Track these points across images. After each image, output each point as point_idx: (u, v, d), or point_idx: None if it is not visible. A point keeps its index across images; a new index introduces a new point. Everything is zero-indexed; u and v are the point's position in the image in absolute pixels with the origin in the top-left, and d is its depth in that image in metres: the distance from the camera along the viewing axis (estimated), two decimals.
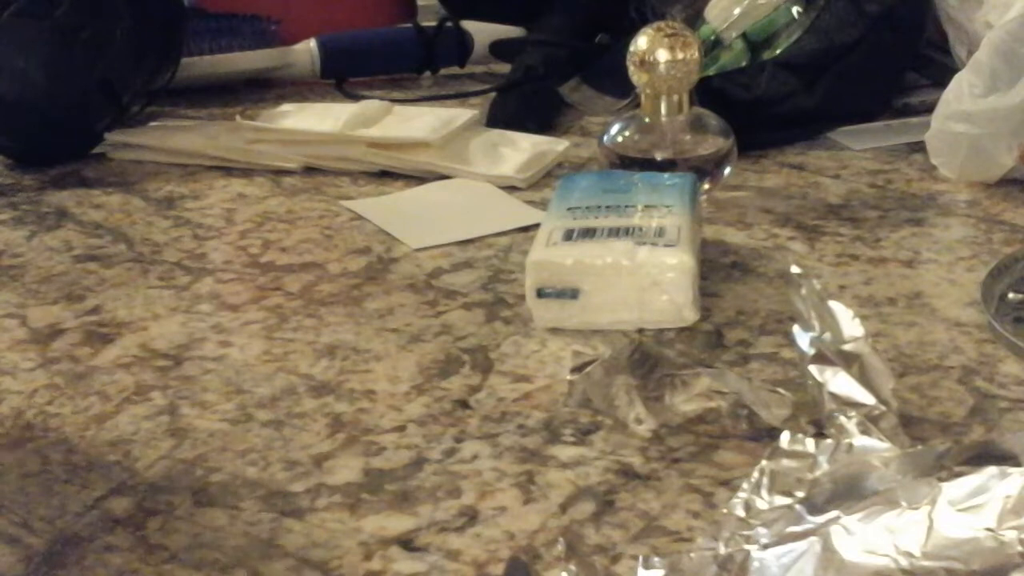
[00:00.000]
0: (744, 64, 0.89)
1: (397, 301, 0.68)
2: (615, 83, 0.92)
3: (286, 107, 0.97)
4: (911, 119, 0.91)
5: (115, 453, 0.54)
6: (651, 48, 0.75)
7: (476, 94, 1.03)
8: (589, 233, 0.63)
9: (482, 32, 1.11)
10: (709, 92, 0.81)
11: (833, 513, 0.42)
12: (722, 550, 0.42)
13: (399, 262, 0.73)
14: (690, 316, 0.62)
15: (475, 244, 0.74)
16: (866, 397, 0.49)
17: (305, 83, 1.10)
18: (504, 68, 1.07)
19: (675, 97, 0.76)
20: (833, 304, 0.51)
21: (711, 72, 0.87)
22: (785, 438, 0.46)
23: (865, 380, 0.50)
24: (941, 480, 0.42)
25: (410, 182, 0.86)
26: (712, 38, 0.90)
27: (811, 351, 0.51)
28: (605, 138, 0.78)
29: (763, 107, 0.86)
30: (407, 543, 0.47)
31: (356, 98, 1.00)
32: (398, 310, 0.66)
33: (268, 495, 0.51)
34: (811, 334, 0.51)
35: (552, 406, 0.56)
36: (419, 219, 0.79)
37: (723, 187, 0.78)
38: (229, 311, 0.68)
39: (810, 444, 0.46)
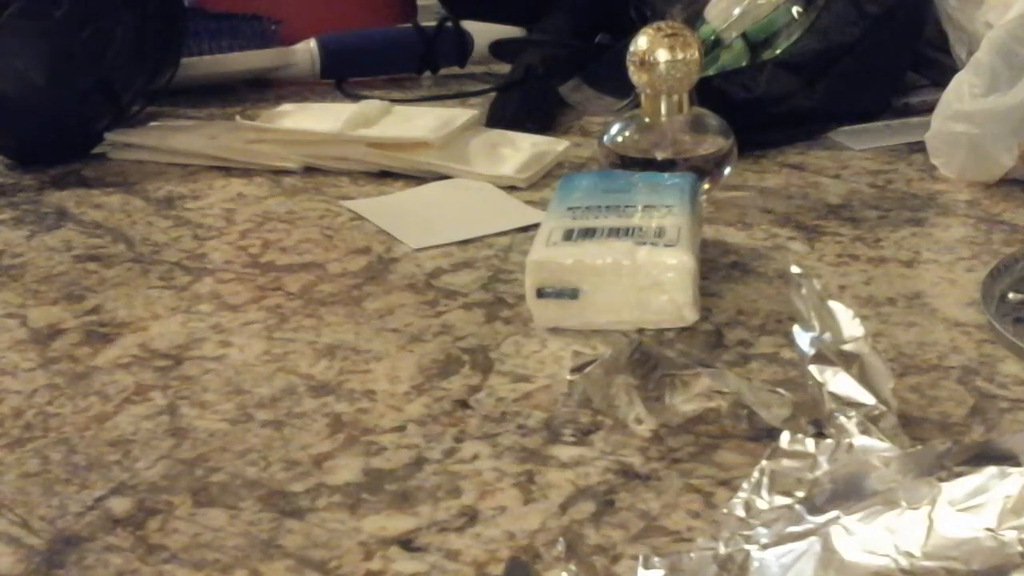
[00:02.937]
0: (744, 64, 0.89)
1: (397, 301, 0.68)
2: (615, 83, 0.92)
3: (286, 107, 0.97)
4: (911, 119, 0.91)
5: (115, 453, 0.54)
6: (651, 48, 0.75)
7: (476, 94, 1.03)
8: (589, 233, 0.63)
9: (482, 32, 1.11)
10: (709, 92, 0.81)
11: (833, 513, 0.42)
12: (722, 550, 0.42)
13: (399, 262, 0.73)
14: (690, 316, 0.62)
15: (475, 244, 0.74)
16: (866, 397, 0.49)
17: (305, 83, 1.10)
18: (504, 68, 1.07)
19: (675, 97, 0.76)
20: (833, 304, 0.51)
21: (711, 72, 0.87)
22: (785, 438, 0.46)
23: (865, 380, 0.50)
24: (941, 480, 0.42)
25: (410, 182, 0.86)
26: (712, 38, 0.90)
27: (811, 351, 0.51)
28: (605, 138, 0.78)
29: (763, 107, 0.86)
30: (407, 543, 0.47)
31: (356, 98, 1.00)
32: (398, 310, 0.66)
33: (268, 495, 0.51)
34: (811, 334, 0.51)
35: (552, 406, 0.56)
36: (419, 219, 0.79)
37: (723, 187, 0.78)
38: (229, 311, 0.68)
39: (810, 444, 0.46)
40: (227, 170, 0.90)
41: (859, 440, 0.46)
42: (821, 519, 0.42)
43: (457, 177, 0.85)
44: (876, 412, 0.49)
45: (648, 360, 0.55)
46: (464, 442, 0.54)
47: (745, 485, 0.45)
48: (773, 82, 0.86)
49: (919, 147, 0.83)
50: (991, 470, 0.41)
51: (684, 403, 0.54)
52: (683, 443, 0.52)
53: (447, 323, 0.65)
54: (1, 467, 0.54)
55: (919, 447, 0.47)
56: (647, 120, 0.77)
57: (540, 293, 0.63)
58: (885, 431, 0.48)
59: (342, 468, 0.52)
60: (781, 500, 0.44)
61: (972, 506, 0.41)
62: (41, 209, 0.85)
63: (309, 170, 0.89)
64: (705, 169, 0.75)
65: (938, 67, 0.92)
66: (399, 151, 0.87)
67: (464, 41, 1.11)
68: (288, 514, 0.49)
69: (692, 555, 0.42)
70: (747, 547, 0.42)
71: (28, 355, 0.64)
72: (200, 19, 1.11)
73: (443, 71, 1.12)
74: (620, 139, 0.77)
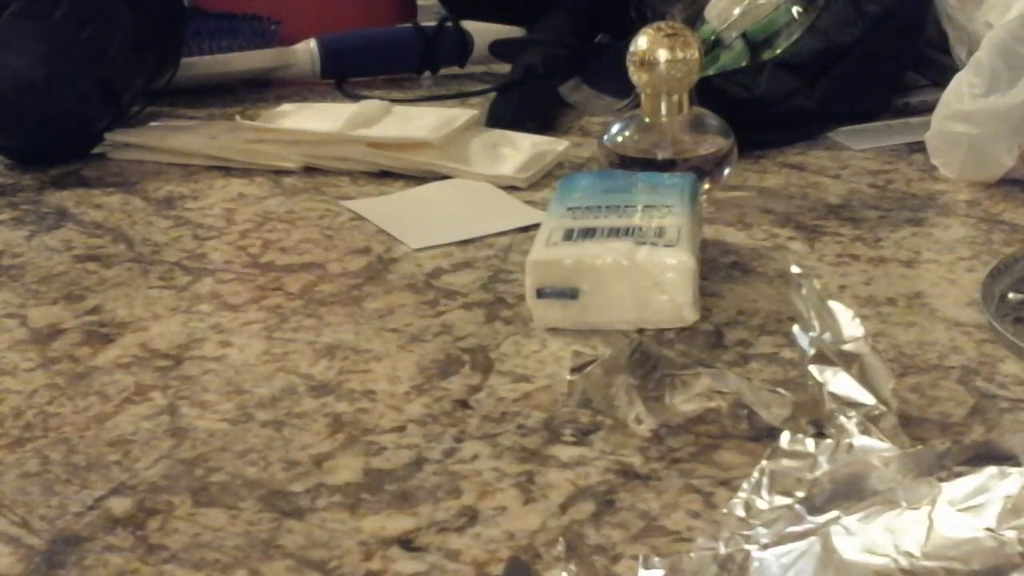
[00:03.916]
0: (744, 64, 0.89)
1: (397, 301, 0.68)
2: (615, 83, 0.92)
3: (286, 107, 0.97)
4: (911, 119, 0.91)
5: (115, 453, 0.54)
6: (651, 48, 0.75)
7: (476, 94, 1.03)
8: (589, 233, 0.63)
9: (482, 32, 1.11)
10: (709, 92, 0.81)
11: (833, 513, 0.42)
12: (722, 550, 0.42)
13: (399, 262, 0.73)
14: (690, 316, 0.62)
15: (475, 244, 0.74)
16: (866, 397, 0.49)
17: (305, 83, 1.10)
18: (504, 68, 1.07)
19: (675, 97, 0.76)
20: (833, 304, 0.51)
21: (711, 72, 0.87)
22: (785, 438, 0.46)
23: (865, 380, 0.50)
24: (941, 480, 0.42)
25: (410, 182, 0.86)
26: (712, 38, 0.90)
27: (811, 351, 0.51)
28: (605, 138, 0.78)
29: (763, 107, 0.86)
30: (407, 543, 0.47)
31: (356, 98, 1.00)
32: (398, 310, 0.66)
33: (268, 495, 0.51)
34: (811, 334, 0.51)
35: (552, 406, 0.56)
36: (419, 219, 0.79)
37: (723, 187, 0.78)
38: (229, 311, 0.68)
39: (810, 444, 0.46)
40: (227, 170, 0.90)
41: (859, 440, 0.46)
42: (821, 519, 0.42)
43: (457, 177, 0.85)
44: (876, 412, 0.49)
45: (648, 360, 0.55)
46: (464, 442, 0.54)
47: (745, 485, 0.45)
48: (773, 82, 0.86)
49: (919, 147, 0.83)
50: (991, 470, 0.41)
51: (684, 403, 0.54)
52: (683, 443, 0.52)
53: (447, 323, 0.65)
54: (1, 467, 0.54)
55: (919, 447, 0.47)
56: (647, 120, 0.77)
57: (540, 293, 0.63)
58: (885, 431, 0.48)
59: (342, 468, 0.52)
60: (781, 500, 0.44)
61: (972, 506, 0.41)
62: (41, 209, 0.85)
63: (309, 170, 0.89)
64: (705, 169, 0.75)
65: (938, 67, 0.92)
66: (399, 151, 0.87)
67: (464, 41, 1.11)
68: (288, 514, 0.49)
69: (692, 555, 0.42)
70: (747, 547, 0.42)
71: (28, 355, 0.64)
72: (200, 19, 1.11)
73: (443, 71, 1.12)
74: (620, 139, 0.77)
